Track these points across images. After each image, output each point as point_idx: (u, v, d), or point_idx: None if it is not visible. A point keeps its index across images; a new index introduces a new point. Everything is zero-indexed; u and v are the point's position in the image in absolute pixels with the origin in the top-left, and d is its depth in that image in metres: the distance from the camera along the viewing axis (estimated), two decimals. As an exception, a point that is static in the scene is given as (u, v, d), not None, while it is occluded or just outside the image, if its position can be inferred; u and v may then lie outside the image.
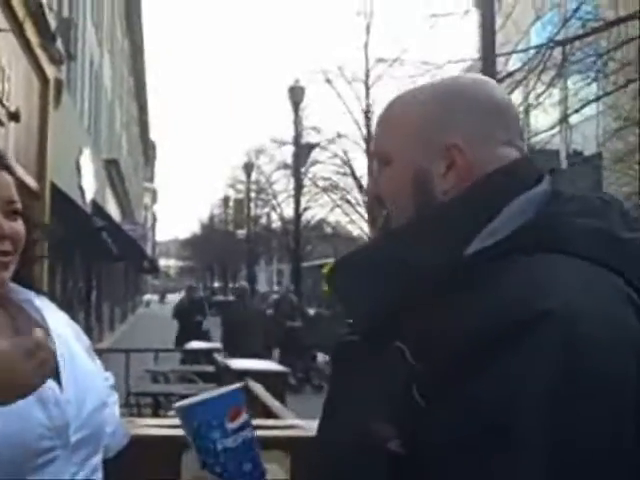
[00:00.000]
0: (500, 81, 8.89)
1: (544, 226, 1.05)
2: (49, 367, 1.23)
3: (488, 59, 8.16)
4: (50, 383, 1.34)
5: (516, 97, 10.36)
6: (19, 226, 1.45)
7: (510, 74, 9.57)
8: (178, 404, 1.22)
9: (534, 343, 0.92)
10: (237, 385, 1.22)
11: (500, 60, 9.74)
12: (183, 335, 14.56)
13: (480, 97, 1.16)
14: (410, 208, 1.15)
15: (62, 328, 1.56)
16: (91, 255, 20.29)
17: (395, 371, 1.02)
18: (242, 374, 7.99)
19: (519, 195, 1.09)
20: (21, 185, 1.50)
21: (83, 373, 1.49)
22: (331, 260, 23.87)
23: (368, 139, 21.35)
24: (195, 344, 12.20)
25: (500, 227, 1.06)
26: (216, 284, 59.11)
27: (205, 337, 14.89)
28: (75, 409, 1.41)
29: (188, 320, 15.34)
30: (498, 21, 8.99)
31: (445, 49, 26.04)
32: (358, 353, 1.13)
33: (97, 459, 1.49)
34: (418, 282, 1.06)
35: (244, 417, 1.19)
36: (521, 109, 11.01)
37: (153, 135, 67.64)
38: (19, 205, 1.47)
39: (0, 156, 1.49)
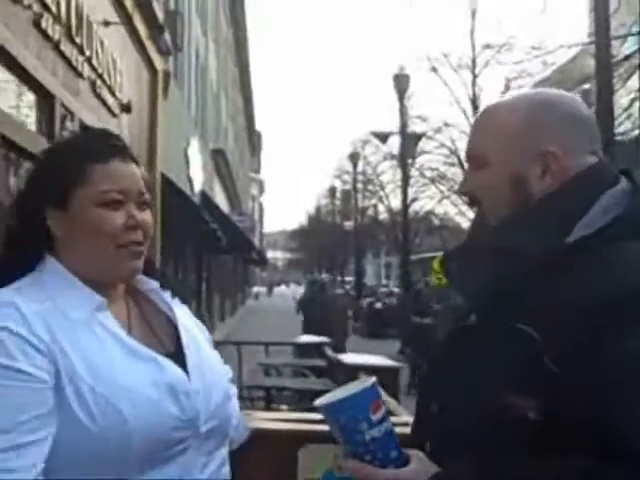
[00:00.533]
0: (616, 65, 8.40)
1: (636, 218, 1.26)
2: None
3: (602, 43, 7.68)
4: (180, 374, 1.42)
5: (633, 83, 9.81)
6: (148, 217, 1.50)
7: (627, 57, 8.98)
8: (321, 402, 1.28)
9: None
10: (373, 379, 1.28)
11: (614, 44, 9.17)
12: (308, 328, 14.49)
13: (570, 110, 1.34)
14: (506, 205, 1.33)
15: (187, 319, 1.62)
16: (201, 246, 20.53)
17: (521, 348, 1.17)
18: (355, 369, 7.85)
19: (604, 192, 1.28)
20: (145, 177, 1.54)
21: (209, 365, 1.53)
22: (439, 253, 23.34)
23: (476, 128, 20.79)
24: (306, 337, 12.09)
25: (594, 219, 1.26)
26: (324, 276, 59.39)
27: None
28: (203, 400, 1.45)
29: (311, 313, 15.22)
30: (612, 3, 8.44)
31: (554, 34, 25.17)
32: (476, 336, 1.29)
33: (224, 451, 1.53)
34: (528, 266, 1.24)
35: (383, 409, 1.27)
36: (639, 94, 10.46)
37: (259, 125, 68.51)
38: (148, 196, 1.51)
39: (126, 148, 1.52)
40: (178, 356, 1.49)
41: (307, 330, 13.87)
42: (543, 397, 1.14)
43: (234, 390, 1.70)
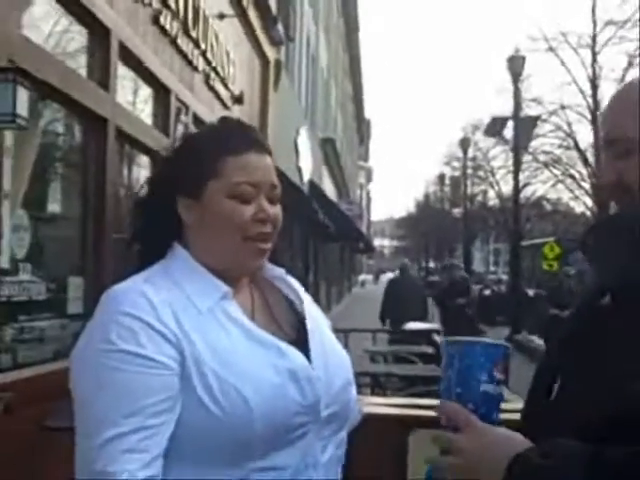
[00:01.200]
0: None
1: None
2: None
3: None
4: (302, 360, 1.43)
5: None
6: (279, 211, 1.52)
7: None
8: (455, 338, 1.32)
9: None
10: (506, 343, 1.29)
11: None
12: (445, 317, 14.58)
13: None
14: None
15: (311, 305, 1.63)
16: (309, 234, 20.72)
17: None
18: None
19: None
20: (278, 172, 1.55)
21: (332, 351, 1.55)
22: (551, 239, 22.78)
23: (594, 109, 20.03)
24: (413, 325, 12.02)
25: None
26: (431, 264, 58.88)
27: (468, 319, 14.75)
28: (325, 386, 1.45)
29: (449, 302, 15.15)
30: None
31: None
32: (609, 317, 1.24)
33: (343, 434, 1.54)
34: None
35: (503, 375, 1.28)
36: None
37: (368, 113, 68.35)
38: (279, 191, 1.52)
39: (262, 140, 1.54)
40: (301, 343, 1.50)
41: (387, 315, 13.59)
42: None
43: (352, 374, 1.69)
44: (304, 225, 18.22)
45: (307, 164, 17.49)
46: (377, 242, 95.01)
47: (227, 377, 1.35)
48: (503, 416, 1.29)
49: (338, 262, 37.26)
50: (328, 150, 24.57)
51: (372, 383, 8.68)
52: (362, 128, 60.03)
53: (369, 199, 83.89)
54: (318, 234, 21.57)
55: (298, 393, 1.40)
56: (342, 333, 10.62)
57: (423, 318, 13.47)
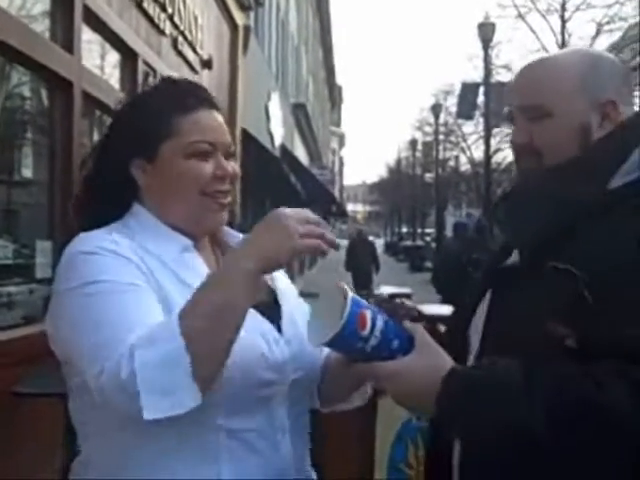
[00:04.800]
0: None
1: None
2: (307, 246, 1.30)
3: None
4: (267, 325, 1.45)
5: None
6: (236, 167, 1.53)
7: None
8: (313, 344, 1.35)
9: None
10: (349, 296, 1.28)
11: None
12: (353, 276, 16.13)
13: (618, 64, 1.46)
14: (568, 153, 1.38)
15: (278, 274, 1.60)
16: (281, 199, 20.69)
17: (563, 284, 1.26)
18: (434, 319, 7.76)
19: (637, 144, 1.36)
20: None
21: (302, 318, 1.53)
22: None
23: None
24: (385, 289, 12.09)
25: (634, 167, 1.34)
26: (404, 229, 59.07)
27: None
28: (294, 350, 1.48)
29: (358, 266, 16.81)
30: None
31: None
32: (521, 275, 1.38)
33: (308, 400, 1.58)
34: (575, 211, 1.33)
35: (369, 315, 1.29)
36: None
37: (339, 79, 68.01)
38: (233, 147, 1.54)
39: (211, 97, 1.54)
40: (271, 306, 1.52)
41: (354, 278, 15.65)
42: (581, 328, 1.24)
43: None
44: (276, 189, 18.20)
45: (279, 129, 17.43)
46: (350, 207, 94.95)
47: None
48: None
49: (311, 228, 37.24)
50: (300, 115, 24.47)
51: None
52: (334, 93, 59.76)
53: (342, 164, 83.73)
54: (290, 199, 21.54)
55: (267, 349, 1.42)
56: (314, 297, 10.70)
57: (376, 269, 16.96)
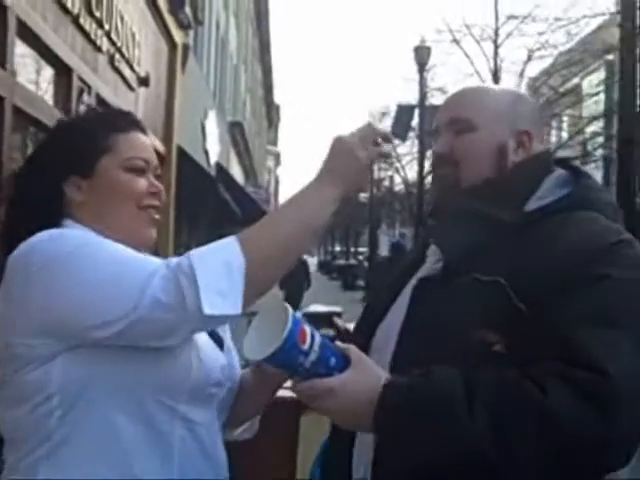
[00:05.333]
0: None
1: (584, 195, 1.52)
2: (376, 150, 1.48)
3: (627, 12, 7.60)
4: (211, 343, 1.56)
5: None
6: (161, 187, 1.61)
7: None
8: (254, 357, 1.33)
9: (626, 254, 1.39)
10: (290, 313, 1.30)
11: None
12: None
13: (536, 106, 1.69)
14: (485, 170, 1.55)
15: None
16: (216, 218, 20.63)
17: (489, 294, 1.36)
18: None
19: (549, 174, 1.57)
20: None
21: (229, 338, 1.67)
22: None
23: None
24: (314, 307, 12.14)
25: (547, 193, 1.53)
26: (338, 248, 59.31)
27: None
28: (229, 360, 1.61)
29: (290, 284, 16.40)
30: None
31: (578, 4, 24.82)
32: (445, 284, 1.46)
33: (224, 416, 1.66)
34: (494, 229, 1.46)
35: (308, 330, 1.32)
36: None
37: (277, 98, 68.12)
38: (160, 170, 1.63)
39: (140, 121, 1.64)
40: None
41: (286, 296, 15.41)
42: (511, 334, 1.33)
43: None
44: (211, 208, 18.14)
45: (215, 147, 17.39)
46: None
47: None
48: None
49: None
50: (236, 134, 24.46)
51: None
52: (271, 112, 59.83)
53: (277, 183, 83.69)
54: (225, 217, 21.49)
55: (223, 354, 1.59)
56: (245, 317, 10.68)
57: (307, 286, 17.23)
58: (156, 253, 1.64)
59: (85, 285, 1.33)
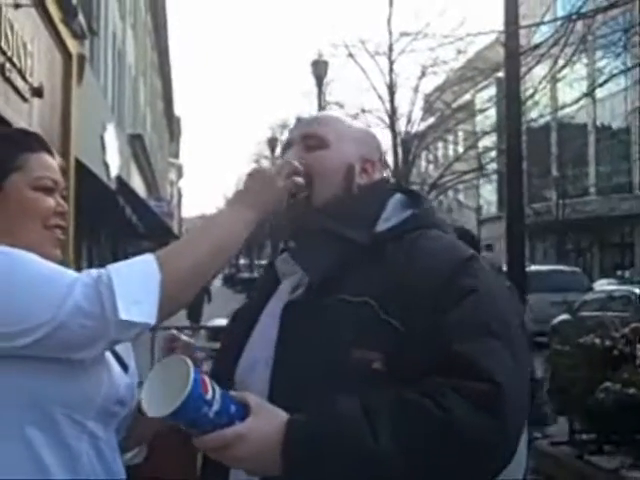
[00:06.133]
0: (523, 54, 8.69)
1: (428, 215, 1.64)
2: (293, 182, 1.56)
3: (510, 31, 7.94)
4: (116, 363, 1.59)
5: (540, 70, 10.19)
6: (67, 206, 1.65)
7: (535, 47, 9.34)
8: (158, 413, 1.27)
9: (481, 267, 1.49)
10: (190, 368, 1.28)
11: (524, 33, 9.52)
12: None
13: (380, 145, 1.79)
14: (334, 188, 1.61)
15: None
16: (117, 233, 20.32)
17: (360, 314, 1.42)
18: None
19: (390, 197, 1.66)
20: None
21: (133, 363, 1.71)
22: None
23: (392, 114, 21.02)
24: (220, 321, 12.13)
25: (391, 215, 1.61)
26: (242, 261, 59.20)
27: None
28: (132, 383, 1.65)
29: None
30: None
31: (470, 23, 25.64)
32: (312, 307, 1.48)
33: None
34: (350, 249, 1.53)
35: (208, 380, 1.31)
36: (545, 82, 10.87)
37: (178, 110, 67.53)
38: (66, 192, 1.66)
39: (47, 143, 1.66)
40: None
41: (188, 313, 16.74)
42: (388, 352, 1.39)
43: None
44: (112, 222, 17.87)
45: (114, 160, 17.15)
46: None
47: None
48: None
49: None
50: (137, 146, 24.18)
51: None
52: (172, 125, 59.31)
53: (180, 196, 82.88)
54: (127, 231, 21.18)
55: (127, 376, 1.61)
56: (148, 331, 10.53)
57: (208, 300, 18.86)
58: None
59: (7, 292, 1.36)
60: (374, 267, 1.49)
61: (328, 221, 1.57)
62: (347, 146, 1.66)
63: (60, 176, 1.65)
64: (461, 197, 36.58)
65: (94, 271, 1.39)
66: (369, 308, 1.42)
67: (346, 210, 1.59)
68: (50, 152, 1.66)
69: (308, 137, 1.66)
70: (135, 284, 1.37)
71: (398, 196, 1.68)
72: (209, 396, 1.28)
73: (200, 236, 1.51)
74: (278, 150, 34.13)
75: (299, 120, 1.80)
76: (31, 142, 1.63)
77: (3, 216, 1.56)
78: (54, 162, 1.65)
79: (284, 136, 34.03)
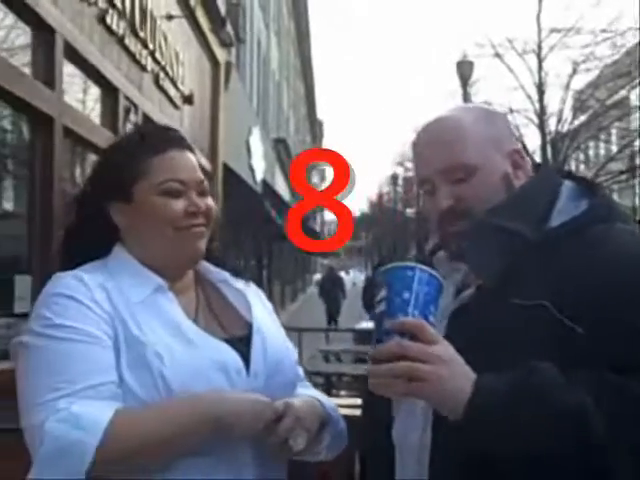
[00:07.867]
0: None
1: (608, 206, 1.46)
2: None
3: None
4: (233, 355, 1.49)
5: None
6: (211, 203, 1.58)
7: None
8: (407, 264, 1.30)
9: None
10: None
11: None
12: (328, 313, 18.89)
13: (505, 116, 1.59)
14: (497, 200, 1.43)
15: (260, 307, 1.68)
16: (262, 234, 20.71)
17: (537, 318, 1.30)
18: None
19: (560, 185, 1.49)
20: (202, 165, 1.59)
21: (275, 351, 1.58)
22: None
23: (541, 114, 20.32)
24: (366, 324, 12.10)
25: (565, 208, 1.45)
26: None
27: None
28: (259, 385, 1.50)
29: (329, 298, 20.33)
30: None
31: (623, 16, 24.47)
32: (485, 306, 1.37)
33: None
34: (521, 245, 1.39)
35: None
36: None
37: (320, 114, 68.42)
38: (207, 184, 1.59)
39: (182, 138, 1.61)
40: (244, 342, 1.56)
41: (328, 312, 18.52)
42: (563, 356, 1.27)
43: (300, 371, 1.75)
44: (257, 224, 18.22)
45: (260, 163, 17.48)
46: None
47: (152, 360, 1.41)
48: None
49: (292, 261, 37.25)
50: (281, 150, 24.58)
51: (325, 383, 8.71)
52: (314, 128, 60.08)
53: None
54: (271, 233, 21.58)
55: (226, 382, 1.46)
56: (295, 332, 10.68)
57: (343, 297, 20.92)
58: (219, 262, 1.69)
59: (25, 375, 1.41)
60: (548, 266, 1.36)
61: (495, 218, 1.42)
62: (492, 155, 1.47)
63: (192, 173, 1.56)
64: (615, 197, 35.06)
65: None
66: (545, 312, 1.31)
67: (513, 208, 1.43)
68: (183, 147, 1.58)
69: (450, 171, 1.46)
70: (59, 459, 1.30)
71: (569, 184, 1.51)
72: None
73: (156, 427, 1.37)
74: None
75: (426, 157, 1.50)
76: (159, 142, 1.57)
77: (136, 229, 1.55)
78: (184, 158, 1.57)
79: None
